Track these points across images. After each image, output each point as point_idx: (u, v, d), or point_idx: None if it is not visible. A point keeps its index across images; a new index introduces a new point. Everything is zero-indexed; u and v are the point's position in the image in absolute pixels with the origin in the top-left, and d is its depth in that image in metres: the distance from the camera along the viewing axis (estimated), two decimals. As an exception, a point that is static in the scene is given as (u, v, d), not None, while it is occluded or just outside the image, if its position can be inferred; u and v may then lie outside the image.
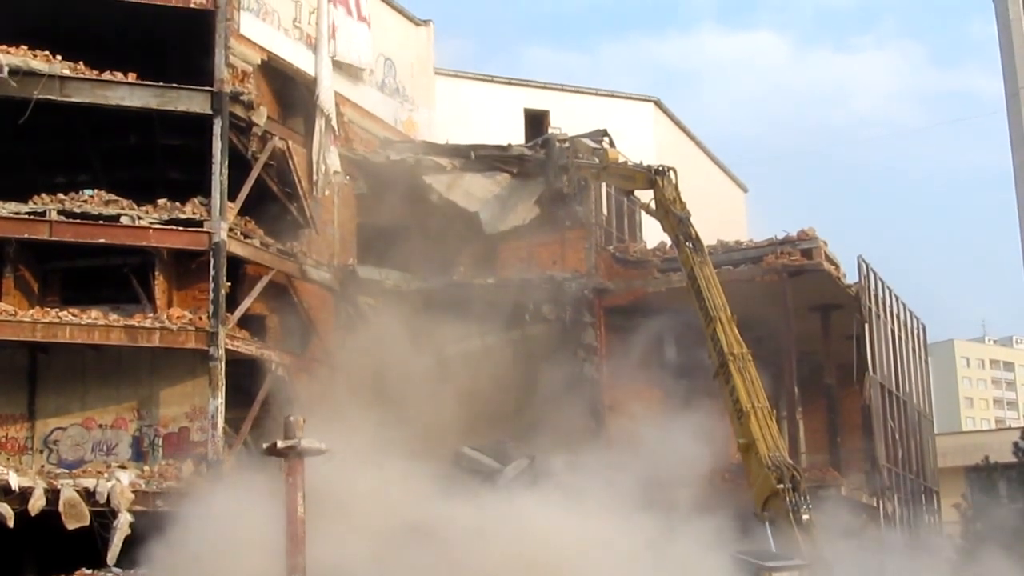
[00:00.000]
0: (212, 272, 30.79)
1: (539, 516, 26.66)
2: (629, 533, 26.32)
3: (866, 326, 37.26)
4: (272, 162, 33.60)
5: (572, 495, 27.57)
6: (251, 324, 32.67)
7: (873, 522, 36.14)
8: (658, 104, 47.98)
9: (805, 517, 27.16)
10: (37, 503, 28.14)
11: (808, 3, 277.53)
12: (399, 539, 26.75)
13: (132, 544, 28.21)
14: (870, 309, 37.62)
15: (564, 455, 32.10)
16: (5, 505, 27.87)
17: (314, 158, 34.84)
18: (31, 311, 30.36)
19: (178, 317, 30.79)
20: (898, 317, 42.20)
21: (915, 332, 45.08)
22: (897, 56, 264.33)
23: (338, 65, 36.01)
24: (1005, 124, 66.62)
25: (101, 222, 30.68)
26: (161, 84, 31.26)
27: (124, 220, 30.83)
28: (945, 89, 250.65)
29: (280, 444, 27.71)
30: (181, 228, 31.17)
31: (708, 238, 32.74)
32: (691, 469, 29.45)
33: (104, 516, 28.69)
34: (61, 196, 30.84)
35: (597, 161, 34.96)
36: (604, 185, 37.52)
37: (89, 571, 28.51)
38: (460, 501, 27.89)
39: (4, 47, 30.14)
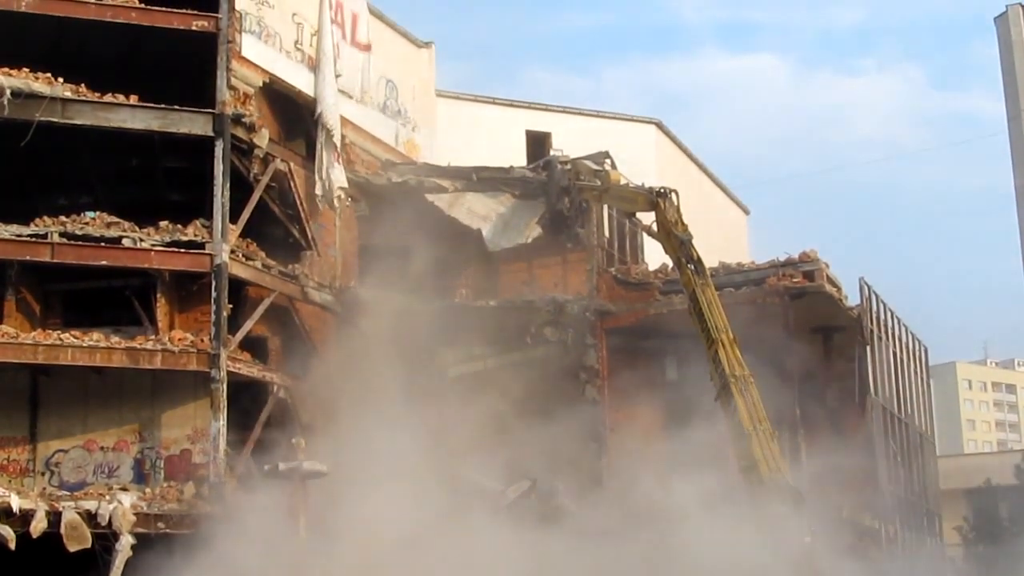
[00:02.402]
0: (214, 294, 30.80)
1: None
2: None
3: (868, 348, 37.28)
4: (274, 184, 33.63)
5: None
6: (253, 346, 32.67)
7: (875, 544, 36.11)
8: (660, 126, 48.03)
9: (807, 539, 27.15)
10: (39, 525, 28.09)
11: (809, 25, 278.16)
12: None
13: (133, 566, 28.25)
14: (872, 331, 37.63)
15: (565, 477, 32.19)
16: (7, 527, 27.82)
17: (317, 174, 34.83)
18: (33, 333, 30.36)
19: (180, 339, 30.78)
20: (900, 339, 42.24)
21: (917, 354, 45.12)
22: (898, 78, 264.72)
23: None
24: (1007, 146, 66.84)
25: (103, 244, 30.73)
26: (163, 106, 31.33)
27: (126, 242, 30.88)
28: (946, 111, 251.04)
29: (282, 466, 27.82)
30: (183, 250, 31.20)
31: (710, 260, 32.77)
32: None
33: (106, 538, 28.63)
34: (63, 218, 30.91)
35: (599, 183, 34.99)
36: (606, 207, 37.52)
37: (90, 594, 28.55)
38: None
39: (6, 69, 30.21)
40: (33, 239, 30.40)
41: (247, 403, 31.35)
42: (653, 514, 30.55)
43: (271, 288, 32.94)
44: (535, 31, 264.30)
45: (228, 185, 31.30)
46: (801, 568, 27.40)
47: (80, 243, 30.59)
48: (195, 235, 31.32)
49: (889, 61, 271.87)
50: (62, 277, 32.02)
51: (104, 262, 30.78)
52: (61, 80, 30.78)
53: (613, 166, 37.00)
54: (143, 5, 31.75)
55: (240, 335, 31.60)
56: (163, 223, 31.47)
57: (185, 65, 32.08)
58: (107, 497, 29.28)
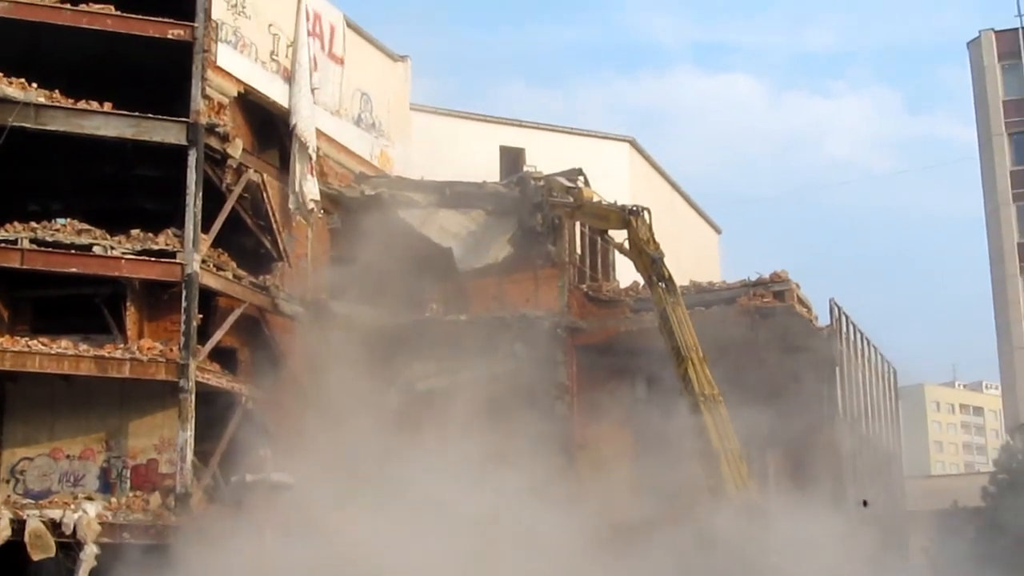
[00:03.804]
0: (184, 304, 30.71)
1: None
2: None
3: (837, 369, 37.31)
4: (246, 195, 33.58)
5: None
6: (222, 357, 32.55)
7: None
8: (633, 144, 48.11)
9: (774, 559, 27.19)
10: (2, 533, 27.95)
11: (784, 47, 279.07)
12: None
13: (97, 576, 28.16)
14: (841, 352, 37.69)
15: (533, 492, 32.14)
16: (-31, 535, 27.67)
17: (290, 186, 34.75)
18: (0, 340, 30.17)
19: (149, 348, 30.68)
20: (869, 360, 42.32)
21: (886, 375, 45.21)
22: (871, 101, 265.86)
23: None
24: (978, 170, 67.26)
25: (73, 251, 30.58)
26: (137, 114, 31.25)
27: (96, 250, 30.75)
28: (918, 134, 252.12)
29: (249, 478, 27.74)
30: (154, 259, 31.09)
31: (681, 279, 32.84)
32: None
33: (70, 548, 28.50)
34: (33, 224, 30.76)
35: (571, 200, 35.05)
36: (578, 224, 37.55)
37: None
38: None
39: (-21, 75, 30.11)
40: (3, 245, 30.21)
41: (215, 414, 31.22)
42: (621, 529, 30.61)
43: (242, 299, 32.86)
44: (510, 48, 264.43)
45: (200, 194, 31.21)
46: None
47: (50, 250, 30.44)
48: (166, 244, 31.23)
49: (862, 84, 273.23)
50: (31, 283, 31.87)
51: (74, 269, 30.62)
52: (35, 85, 30.71)
53: (586, 183, 36.99)
54: (119, 12, 31.65)
55: (209, 345, 31.50)
56: (134, 231, 31.37)
57: (160, 73, 31.99)
58: (72, 506, 29.16)
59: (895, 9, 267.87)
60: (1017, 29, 66.56)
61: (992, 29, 67.30)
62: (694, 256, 47.36)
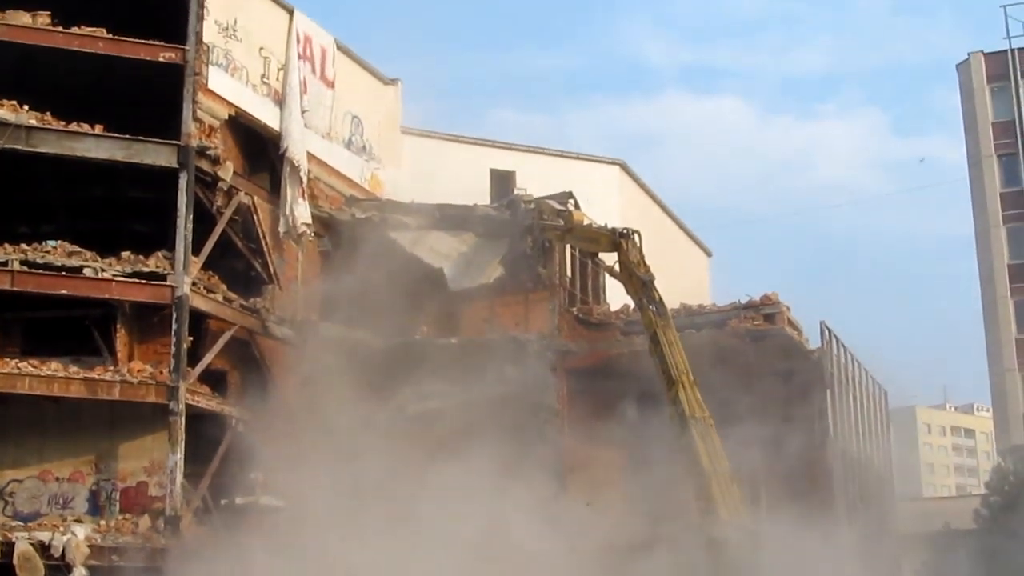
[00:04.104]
0: (174, 326, 30.68)
1: None
2: None
3: (828, 391, 37.30)
4: (237, 217, 33.57)
5: None
6: (212, 379, 32.52)
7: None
8: (623, 167, 48.12)
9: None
10: (-9, 556, 27.89)
11: (772, 70, 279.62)
12: None
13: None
14: (832, 374, 37.68)
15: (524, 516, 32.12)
16: (-42, 557, 27.60)
17: (281, 209, 34.77)
18: (-10, 361, 30.14)
19: (139, 371, 30.65)
20: (860, 383, 42.31)
21: (877, 398, 45.20)
22: (861, 123, 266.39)
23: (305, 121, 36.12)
24: (967, 192, 67.43)
25: (64, 273, 30.55)
26: (128, 137, 31.24)
27: (87, 272, 30.72)
28: (908, 156, 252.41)
29: (239, 501, 27.69)
30: (144, 281, 31.07)
31: (671, 302, 32.83)
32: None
33: (59, 570, 28.44)
34: (24, 246, 30.73)
35: (562, 223, 35.07)
36: (568, 247, 37.56)
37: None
38: None
39: (-30, 97, 30.13)
40: (-7, 267, 30.21)
41: (205, 436, 31.16)
42: (613, 551, 30.58)
43: (232, 321, 32.84)
44: (501, 71, 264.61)
45: (191, 217, 31.23)
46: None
47: (41, 272, 30.41)
48: (157, 266, 31.22)
49: (852, 106, 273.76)
50: (21, 305, 31.77)
51: (64, 291, 30.61)
52: (27, 108, 30.72)
53: (576, 206, 37.08)
54: (111, 35, 31.68)
55: (200, 368, 31.47)
56: (125, 254, 31.35)
57: (151, 96, 31.99)
58: (61, 528, 29.12)
59: (885, 32, 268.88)
60: (1006, 51, 66.86)
61: (981, 51, 67.58)
62: (684, 279, 47.32)
